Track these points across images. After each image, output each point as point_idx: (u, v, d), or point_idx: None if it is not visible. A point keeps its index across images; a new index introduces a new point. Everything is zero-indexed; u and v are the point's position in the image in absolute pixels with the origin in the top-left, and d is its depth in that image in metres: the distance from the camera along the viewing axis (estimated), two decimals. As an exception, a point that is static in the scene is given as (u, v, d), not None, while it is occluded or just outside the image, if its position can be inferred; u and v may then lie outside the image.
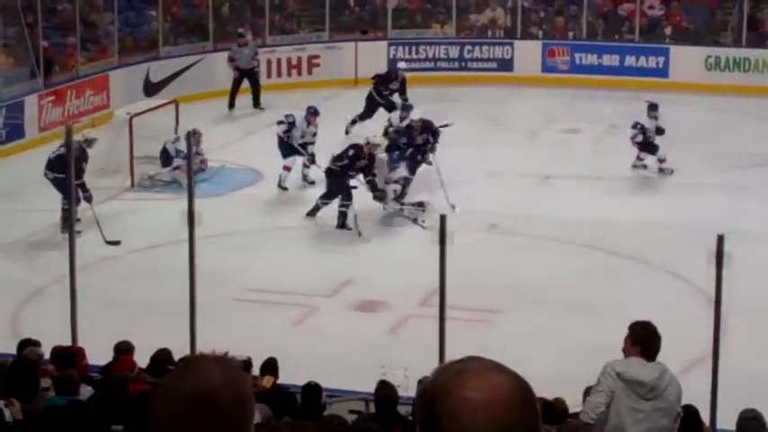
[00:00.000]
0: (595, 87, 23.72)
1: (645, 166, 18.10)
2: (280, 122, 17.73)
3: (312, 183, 17.61)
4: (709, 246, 8.69)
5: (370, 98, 20.76)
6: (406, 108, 18.12)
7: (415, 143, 17.08)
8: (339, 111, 22.15)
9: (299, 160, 17.70)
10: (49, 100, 20.73)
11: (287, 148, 17.59)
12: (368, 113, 20.57)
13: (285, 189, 17.45)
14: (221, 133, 20.42)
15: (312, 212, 16.08)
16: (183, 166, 17.52)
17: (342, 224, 15.74)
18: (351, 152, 15.97)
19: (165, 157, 17.86)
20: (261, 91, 22.83)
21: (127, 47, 23.26)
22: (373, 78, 21.10)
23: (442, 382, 2.03)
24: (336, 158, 16.03)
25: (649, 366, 6.82)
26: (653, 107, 18.15)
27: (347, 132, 19.83)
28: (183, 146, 17.60)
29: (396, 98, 20.53)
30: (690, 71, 24.02)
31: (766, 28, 24.82)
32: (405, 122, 17.58)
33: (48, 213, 15.66)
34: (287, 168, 17.52)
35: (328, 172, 16.08)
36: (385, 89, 20.77)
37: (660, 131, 17.93)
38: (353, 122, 20.30)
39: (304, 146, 17.65)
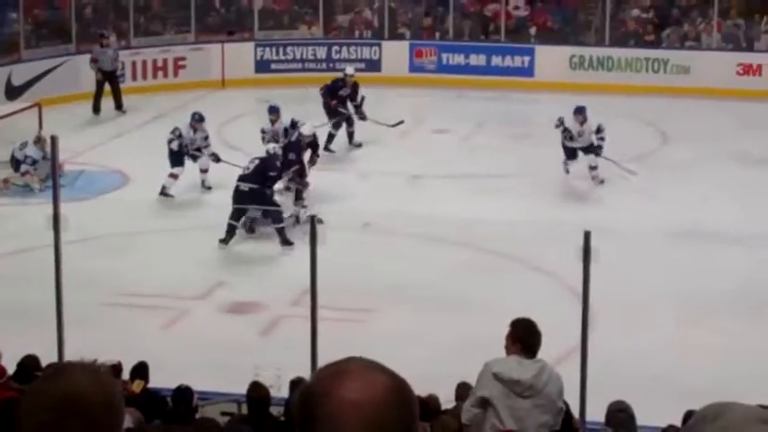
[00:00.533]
0: (463, 87, 23.96)
1: (567, 171, 17.87)
2: (170, 140, 17.42)
3: (209, 188, 17.49)
4: (576, 242, 8.83)
5: (328, 112, 19.93)
6: (294, 125, 17.48)
7: (301, 158, 16.80)
8: (207, 112, 22.00)
9: (195, 166, 17.54)
10: None
11: (175, 156, 17.38)
12: (335, 127, 19.88)
13: (170, 196, 17.24)
14: (86, 137, 20.12)
15: (227, 239, 15.19)
16: (32, 171, 17.31)
17: (285, 240, 15.18)
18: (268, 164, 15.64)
19: (15, 163, 17.61)
20: (123, 93, 22.54)
21: (-12, 48, 22.84)
22: (320, 91, 20.19)
23: (321, 383, 2.03)
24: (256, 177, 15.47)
25: (527, 364, 6.90)
26: (578, 110, 17.87)
27: (327, 149, 19.29)
28: (30, 151, 17.38)
29: (349, 106, 19.95)
30: (555, 70, 24.43)
31: (628, 27, 25.35)
32: (293, 137, 17.07)
33: None
34: (173, 176, 17.32)
35: (250, 193, 15.30)
36: (332, 100, 19.92)
37: (599, 131, 17.68)
38: (329, 141, 19.64)
39: (198, 150, 17.50)
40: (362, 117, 19.67)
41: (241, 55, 25.07)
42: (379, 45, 25.56)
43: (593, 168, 17.48)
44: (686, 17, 25.18)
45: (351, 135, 19.89)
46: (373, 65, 25.45)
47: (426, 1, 26.28)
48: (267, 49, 25.45)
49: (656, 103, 22.71)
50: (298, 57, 25.58)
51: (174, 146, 17.34)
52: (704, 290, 13.53)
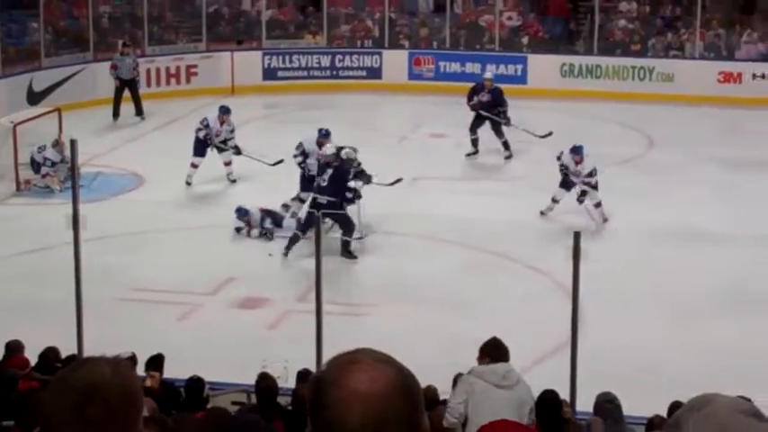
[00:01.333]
0: (459, 94, 23.92)
1: (554, 200, 16.28)
2: (198, 129, 17.57)
3: (234, 181, 17.73)
4: (567, 242, 8.85)
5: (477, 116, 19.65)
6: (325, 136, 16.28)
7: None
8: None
9: (221, 158, 17.75)
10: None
11: (199, 146, 17.57)
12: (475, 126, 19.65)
13: (189, 185, 17.54)
14: (102, 140, 20.15)
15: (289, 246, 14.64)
16: (52, 173, 17.34)
17: (348, 253, 14.63)
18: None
19: (35, 165, 17.65)
20: (141, 99, 22.58)
21: (10, 58, 22.85)
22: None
23: (330, 372, 2.05)
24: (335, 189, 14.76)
25: (498, 364, 7.09)
26: (574, 150, 16.21)
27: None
28: (49, 154, 17.42)
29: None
30: (546, 78, 24.46)
31: (615, 37, 25.37)
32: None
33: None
34: (193, 166, 17.54)
35: (328, 206, 14.42)
36: (470, 101, 19.70)
37: (591, 175, 16.04)
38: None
39: (224, 143, 17.61)
40: (507, 123, 19.36)
41: (250, 63, 25.11)
42: (380, 54, 25.59)
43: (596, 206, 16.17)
44: (670, 28, 25.20)
45: (505, 144, 19.46)
46: (374, 72, 25.49)
47: (423, 12, 26.30)
48: (274, 57, 25.48)
49: (641, 109, 22.74)
50: (303, 65, 25.61)
51: (201, 135, 17.48)
52: (690, 287, 13.53)
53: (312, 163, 15.85)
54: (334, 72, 25.55)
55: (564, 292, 11.50)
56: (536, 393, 7.99)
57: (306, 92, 24.42)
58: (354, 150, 15.51)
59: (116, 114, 22.11)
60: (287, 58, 25.55)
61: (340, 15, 26.46)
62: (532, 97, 23.22)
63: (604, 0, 25.54)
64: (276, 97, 24.04)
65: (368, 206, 15.28)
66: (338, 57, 25.68)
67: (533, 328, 12.18)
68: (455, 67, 25.19)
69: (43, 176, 17.44)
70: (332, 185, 14.67)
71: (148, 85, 24.03)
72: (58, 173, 17.44)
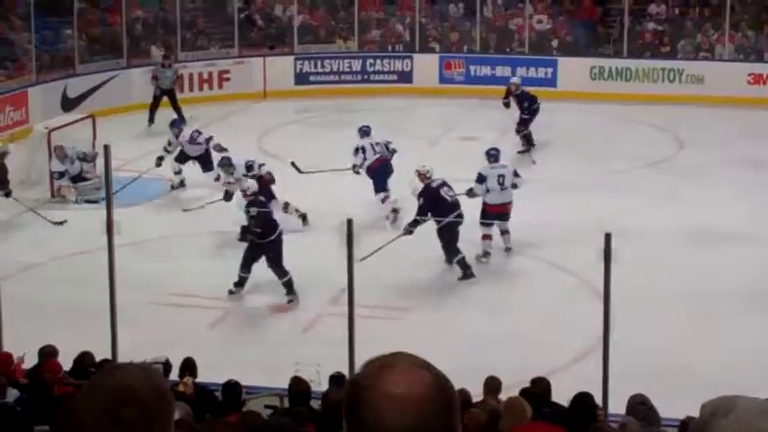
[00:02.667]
0: (489, 97, 23.86)
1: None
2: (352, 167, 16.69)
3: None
4: (598, 243, 8.79)
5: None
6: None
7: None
8: (249, 122, 22.10)
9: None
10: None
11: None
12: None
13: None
14: (136, 146, 20.17)
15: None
16: (63, 184, 17.22)
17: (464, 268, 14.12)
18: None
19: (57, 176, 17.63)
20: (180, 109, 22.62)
21: (44, 64, 22.95)
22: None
23: (367, 375, 2.03)
24: None
25: None
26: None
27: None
28: (55, 166, 17.22)
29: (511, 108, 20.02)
30: (576, 81, 24.34)
31: (645, 40, 25.23)
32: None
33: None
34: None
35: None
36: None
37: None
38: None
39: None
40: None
41: (281, 68, 25.12)
42: (411, 58, 25.55)
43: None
44: (700, 30, 25.03)
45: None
46: (405, 76, 25.45)
47: (454, 16, 26.25)
48: (306, 62, 25.48)
49: (671, 110, 22.59)
50: (334, 69, 25.61)
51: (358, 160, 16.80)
52: (721, 288, 13.43)
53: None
54: (366, 76, 25.53)
55: (594, 293, 11.43)
56: (569, 395, 7.94)
57: (337, 96, 24.40)
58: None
59: (151, 120, 22.15)
60: (318, 62, 25.56)
61: (371, 20, 26.45)
62: (562, 100, 23.12)
63: (634, 3, 25.40)
64: (308, 102, 24.04)
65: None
66: (369, 61, 25.66)
67: (565, 330, 12.12)
68: (485, 70, 25.11)
69: (58, 190, 17.37)
70: None
71: (181, 90, 24.05)
72: (91, 180, 17.47)
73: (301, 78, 25.35)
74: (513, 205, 14.88)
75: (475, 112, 22.70)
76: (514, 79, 20.85)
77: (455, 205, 14.34)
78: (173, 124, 18.24)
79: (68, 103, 22.42)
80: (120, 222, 9.98)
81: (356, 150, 16.71)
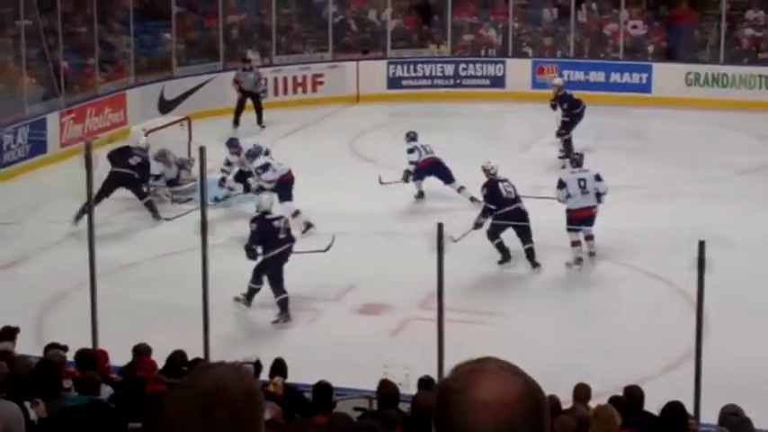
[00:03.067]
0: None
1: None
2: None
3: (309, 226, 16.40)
4: (692, 251, 8.67)
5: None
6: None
7: None
8: (342, 126, 22.21)
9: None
10: (70, 117, 20.76)
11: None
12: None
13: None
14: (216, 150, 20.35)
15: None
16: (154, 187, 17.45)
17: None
18: None
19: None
20: (266, 107, 22.81)
21: (142, 67, 23.30)
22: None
23: (457, 380, 2.02)
24: None
25: None
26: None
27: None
28: (154, 169, 17.42)
29: (558, 112, 19.89)
30: (671, 87, 23.99)
31: (742, 46, 24.83)
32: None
33: (69, 224, 15.67)
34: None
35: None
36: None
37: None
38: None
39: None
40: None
41: (374, 72, 25.18)
42: (504, 63, 25.44)
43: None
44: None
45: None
46: (498, 81, 25.33)
47: (547, 21, 26.10)
48: (399, 66, 25.52)
49: (769, 118, 22.19)
50: (427, 74, 25.60)
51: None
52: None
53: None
54: (458, 81, 25.49)
55: (687, 301, 11.27)
56: (661, 405, 7.83)
57: (429, 100, 24.38)
58: None
59: (236, 123, 22.34)
60: (411, 67, 25.58)
61: (464, 24, 26.40)
62: (657, 106, 22.85)
63: (731, 8, 25.00)
64: (400, 106, 24.06)
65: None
66: (462, 65, 25.61)
67: (656, 339, 11.97)
68: (579, 75, 24.90)
69: (153, 191, 17.53)
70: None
71: (275, 93, 24.28)
72: (183, 183, 17.71)
73: (394, 82, 25.39)
74: (597, 209, 14.75)
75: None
76: (557, 80, 20.65)
77: (513, 201, 14.73)
78: (230, 144, 17.83)
79: (165, 106, 22.73)
80: (214, 222, 10.08)
81: (410, 151, 17.46)
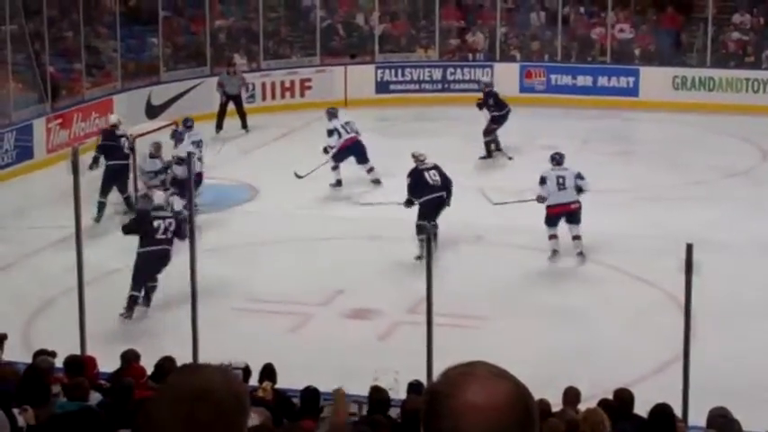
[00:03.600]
0: (570, 106, 23.77)
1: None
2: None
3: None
4: (680, 254, 8.70)
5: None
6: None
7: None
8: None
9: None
10: (57, 123, 20.73)
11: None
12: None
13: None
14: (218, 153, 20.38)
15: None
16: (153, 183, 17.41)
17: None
18: None
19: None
20: (253, 112, 22.81)
21: (129, 72, 23.29)
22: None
23: (446, 383, 2.02)
24: None
25: None
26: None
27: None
28: (149, 166, 17.36)
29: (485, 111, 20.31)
30: (658, 90, 24.10)
31: (729, 49, 24.91)
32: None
33: (56, 230, 15.63)
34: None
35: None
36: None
37: None
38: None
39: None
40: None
41: (362, 76, 25.23)
42: (491, 67, 25.49)
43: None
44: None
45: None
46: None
47: (534, 25, 26.16)
48: (387, 70, 25.57)
49: (755, 121, 22.27)
50: (415, 78, 25.66)
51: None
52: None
53: None
54: (446, 85, 25.54)
55: (675, 305, 11.29)
56: (649, 407, 7.86)
57: (418, 105, 24.43)
58: None
59: (219, 127, 22.31)
60: (399, 71, 25.63)
61: (452, 29, 26.44)
62: (644, 109, 22.92)
63: (717, 12, 25.09)
64: (388, 110, 24.10)
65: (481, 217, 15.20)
66: (449, 70, 25.66)
67: (645, 342, 12.00)
68: (566, 79, 24.98)
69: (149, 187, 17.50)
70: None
71: (263, 98, 24.30)
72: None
73: (382, 87, 25.44)
74: (579, 207, 14.91)
75: (556, 121, 22.57)
76: (484, 79, 20.78)
77: (437, 188, 15.30)
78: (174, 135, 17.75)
79: (153, 111, 22.74)
80: (202, 228, 10.09)
81: (330, 133, 18.30)
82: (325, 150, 17.99)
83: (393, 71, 25.61)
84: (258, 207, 17.61)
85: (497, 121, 20.04)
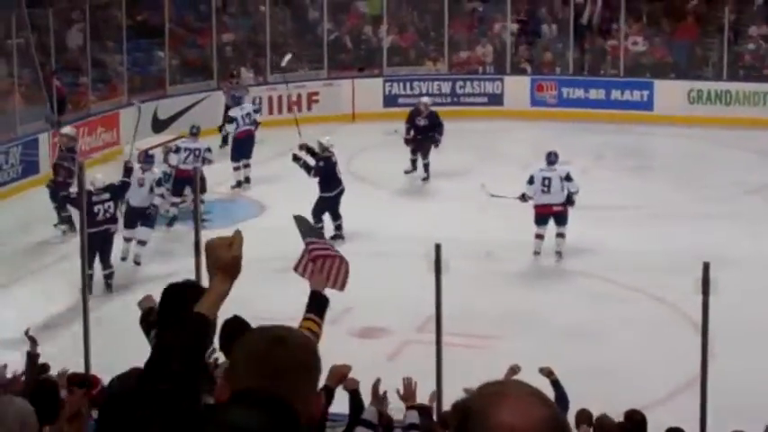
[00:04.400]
0: (582, 120, 23.70)
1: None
2: None
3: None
4: (696, 272, 8.62)
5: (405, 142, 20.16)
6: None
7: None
8: (338, 144, 22.09)
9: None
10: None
11: None
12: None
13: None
14: (222, 168, 20.34)
15: None
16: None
17: None
18: None
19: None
20: (259, 126, 22.72)
21: (136, 86, 23.30)
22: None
23: (479, 402, 2.01)
24: None
25: None
26: None
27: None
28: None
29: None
30: (673, 104, 24.02)
31: (745, 62, 24.84)
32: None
33: (62, 245, 15.64)
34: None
35: None
36: (411, 126, 20.05)
37: None
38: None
39: None
40: (436, 145, 19.86)
41: (370, 90, 25.22)
42: (502, 80, 25.47)
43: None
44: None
45: (425, 167, 19.85)
46: (496, 99, 25.37)
47: (545, 37, 26.12)
48: (395, 84, 25.55)
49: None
50: (424, 91, 25.55)
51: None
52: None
53: None
54: (455, 98, 25.51)
55: (691, 325, 11.23)
56: (662, 430, 7.79)
57: (426, 119, 24.36)
58: None
59: (225, 141, 21.98)
60: (408, 84, 25.60)
61: (461, 41, 26.42)
62: (659, 124, 22.85)
63: (734, 23, 25.02)
64: (397, 124, 24.03)
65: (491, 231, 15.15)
66: (459, 83, 25.64)
67: (661, 363, 11.92)
68: (579, 93, 24.94)
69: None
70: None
71: (270, 112, 24.26)
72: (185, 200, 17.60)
73: (390, 100, 25.41)
74: (563, 209, 15.43)
75: (568, 135, 22.51)
76: (425, 99, 20.73)
77: (341, 182, 16.57)
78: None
79: (159, 125, 22.72)
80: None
81: (230, 120, 19.69)
82: (223, 131, 19.62)
83: (401, 84, 25.59)
84: (265, 223, 17.56)
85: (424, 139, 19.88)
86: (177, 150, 17.88)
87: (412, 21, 26.88)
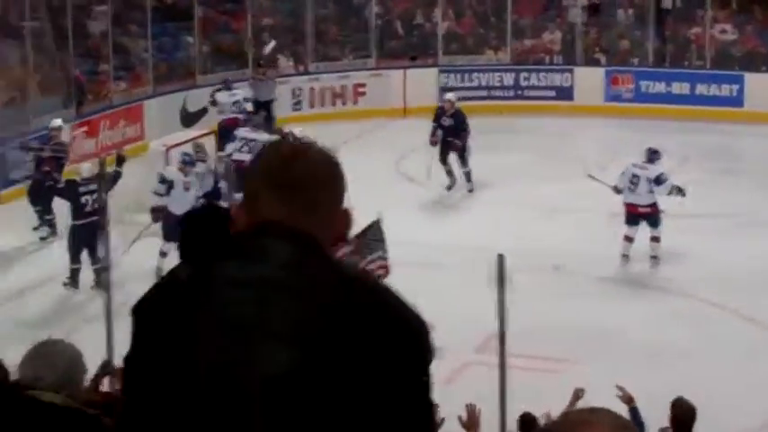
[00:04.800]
0: (663, 118, 23.57)
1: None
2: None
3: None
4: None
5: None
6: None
7: None
8: (387, 141, 22.18)
9: None
10: (82, 131, 20.81)
11: None
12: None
13: None
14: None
15: None
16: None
17: None
18: None
19: None
20: (301, 121, 22.83)
21: (162, 74, 23.41)
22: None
23: (566, 428, 2.05)
24: None
25: None
26: None
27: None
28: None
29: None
30: (766, 100, 23.81)
31: None
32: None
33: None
34: None
35: None
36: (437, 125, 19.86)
37: None
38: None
39: None
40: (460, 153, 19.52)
41: (424, 81, 25.22)
42: (572, 71, 25.42)
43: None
44: None
45: (467, 176, 19.46)
46: (565, 93, 25.32)
47: (621, 24, 26.04)
48: (451, 75, 25.57)
49: None
50: (483, 84, 25.62)
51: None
52: None
53: None
54: (519, 92, 25.50)
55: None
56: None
57: (486, 114, 24.31)
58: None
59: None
60: (465, 76, 25.61)
61: (526, 28, 26.38)
62: (750, 122, 22.71)
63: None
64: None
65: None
66: (523, 75, 25.62)
67: (753, 387, 11.83)
68: (659, 87, 24.83)
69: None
70: None
71: (311, 105, 24.37)
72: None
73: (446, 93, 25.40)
74: (650, 211, 15.58)
75: (646, 135, 22.41)
76: (450, 96, 20.35)
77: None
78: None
79: (188, 118, 22.85)
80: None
81: (213, 103, 20.92)
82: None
83: (458, 75, 25.61)
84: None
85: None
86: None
87: (470, 4, 26.89)
